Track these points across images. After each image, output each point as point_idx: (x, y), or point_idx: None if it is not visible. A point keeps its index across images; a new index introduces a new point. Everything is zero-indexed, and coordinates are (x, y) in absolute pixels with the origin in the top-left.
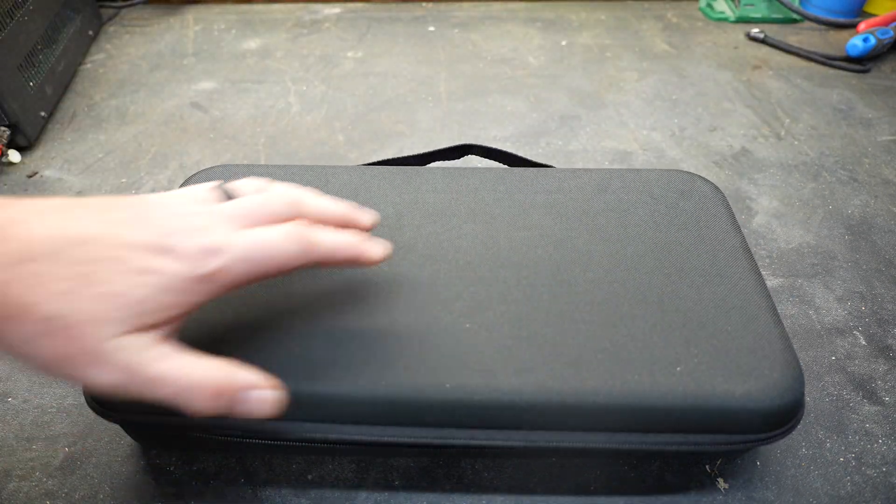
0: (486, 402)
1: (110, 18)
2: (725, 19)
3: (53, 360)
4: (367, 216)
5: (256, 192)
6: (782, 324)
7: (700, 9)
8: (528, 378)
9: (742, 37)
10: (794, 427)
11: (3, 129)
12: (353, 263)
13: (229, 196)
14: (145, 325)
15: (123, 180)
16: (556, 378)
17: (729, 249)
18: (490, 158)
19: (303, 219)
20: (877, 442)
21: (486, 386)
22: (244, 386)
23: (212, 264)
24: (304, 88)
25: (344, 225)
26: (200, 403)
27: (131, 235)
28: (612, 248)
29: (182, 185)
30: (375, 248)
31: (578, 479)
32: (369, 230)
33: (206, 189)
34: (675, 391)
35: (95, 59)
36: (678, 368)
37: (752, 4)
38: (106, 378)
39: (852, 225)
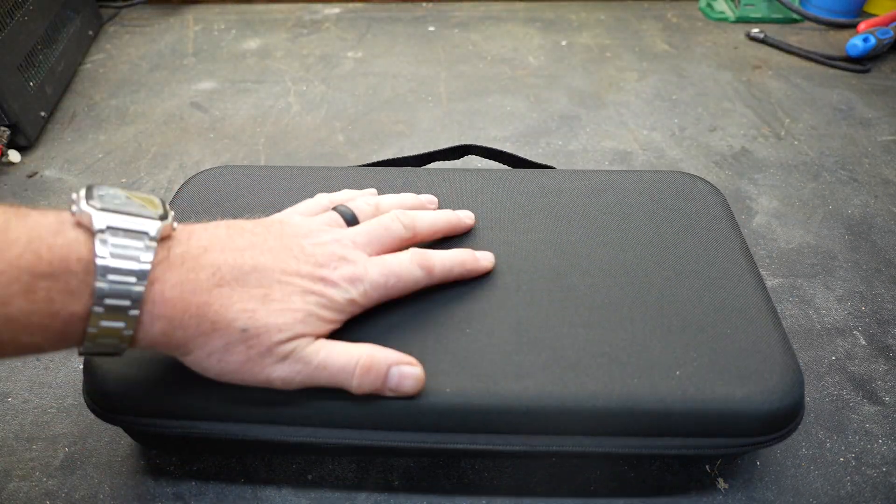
0: (486, 406)
1: (110, 18)
2: (725, 19)
3: (244, 364)
4: (468, 219)
5: (371, 210)
6: (782, 326)
7: (700, 9)
8: (528, 383)
9: (742, 37)
10: (794, 430)
11: (3, 129)
12: (466, 277)
13: (347, 216)
14: (308, 333)
15: (123, 180)
16: (555, 383)
17: (728, 252)
18: (490, 158)
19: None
20: (877, 442)
21: (486, 391)
22: (389, 362)
23: (356, 291)
24: (304, 88)
25: (452, 233)
26: (356, 381)
27: (295, 266)
28: (611, 250)
29: (183, 186)
30: (484, 262)
31: (578, 479)
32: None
33: (326, 209)
34: (674, 395)
35: (95, 59)
36: (677, 372)
37: (752, 4)
38: (284, 371)
39: (852, 225)
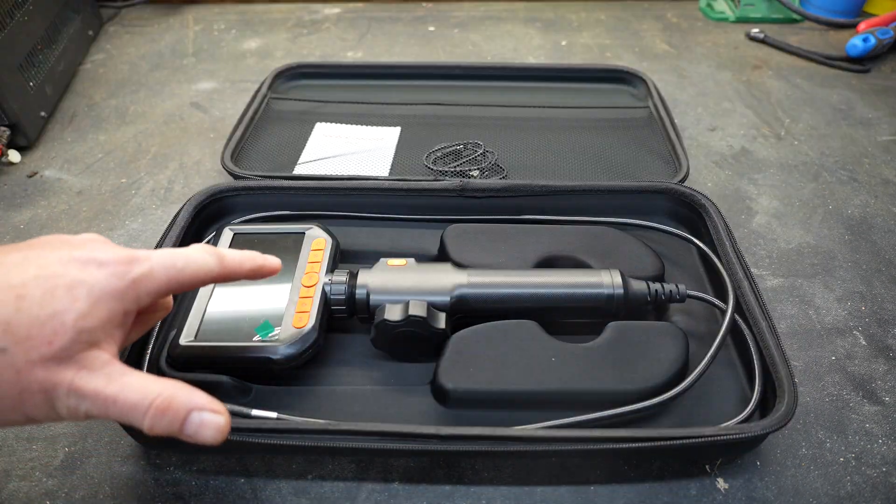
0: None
1: (110, 18)
2: (725, 19)
3: (13, 404)
4: (273, 260)
5: None
6: None
7: (700, 9)
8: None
9: (742, 37)
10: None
11: (3, 129)
12: (257, 274)
13: None
14: (90, 343)
15: (123, 180)
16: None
17: None
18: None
19: None
20: (877, 442)
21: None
22: (190, 406)
23: (136, 269)
24: None
25: (258, 272)
26: (149, 421)
27: (55, 256)
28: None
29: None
30: (274, 260)
31: (579, 479)
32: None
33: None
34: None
35: (95, 59)
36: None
37: (752, 4)
38: (69, 404)
39: (852, 225)
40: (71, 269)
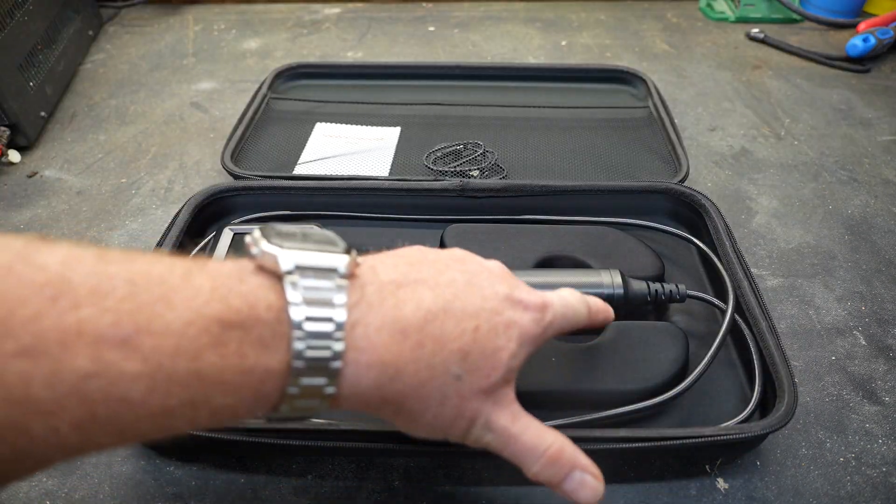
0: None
1: (110, 18)
2: (725, 19)
3: (454, 420)
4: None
5: None
6: None
7: (700, 9)
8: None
9: (742, 37)
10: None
11: (3, 129)
12: (603, 324)
13: None
14: (510, 380)
15: (123, 180)
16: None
17: None
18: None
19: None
20: (877, 442)
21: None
22: (575, 464)
23: (548, 317)
24: None
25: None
26: (538, 467)
27: (491, 289)
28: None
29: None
30: (611, 311)
31: None
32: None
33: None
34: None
35: (95, 59)
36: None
37: (752, 4)
38: (484, 439)
39: (852, 225)
40: (507, 309)
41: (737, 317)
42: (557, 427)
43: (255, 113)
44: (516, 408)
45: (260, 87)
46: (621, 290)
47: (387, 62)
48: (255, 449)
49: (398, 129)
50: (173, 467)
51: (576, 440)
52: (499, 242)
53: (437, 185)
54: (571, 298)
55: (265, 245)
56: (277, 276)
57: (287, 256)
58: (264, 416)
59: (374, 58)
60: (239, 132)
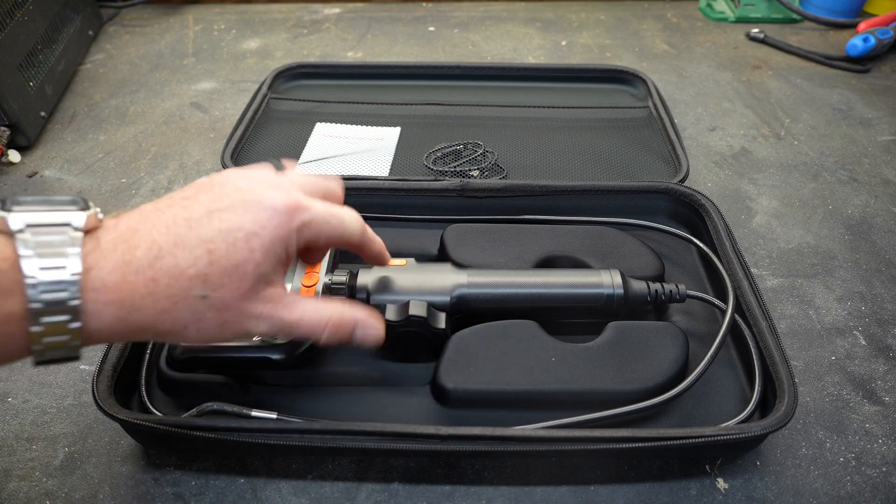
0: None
1: (110, 18)
2: (725, 19)
3: (221, 326)
4: (387, 256)
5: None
6: None
7: (700, 9)
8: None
9: (742, 37)
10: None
11: (3, 129)
12: (376, 259)
13: (277, 167)
14: (267, 283)
15: (123, 180)
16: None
17: None
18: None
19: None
20: (877, 442)
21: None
22: (357, 322)
23: (299, 219)
24: None
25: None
26: (325, 337)
27: (228, 204)
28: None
29: None
30: (387, 257)
31: (579, 479)
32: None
33: (265, 166)
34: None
35: (95, 59)
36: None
37: (752, 4)
38: (262, 328)
39: (852, 225)
40: (247, 221)
41: (737, 317)
42: (557, 427)
43: (255, 113)
44: (289, 298)
45: (260, 87)
46: (621, 290)
47: (387, 62)
48: (255, 449)
49: (398, 129)
50: (173, 467)
51: (576, 440)
52: (499, 242)
53: (437, 185)
54: (344, 212)
55: None
56: (10, 235)
57: (16, 217)
58: (28, 357)
59: (374, 58)
60: (239, 132)
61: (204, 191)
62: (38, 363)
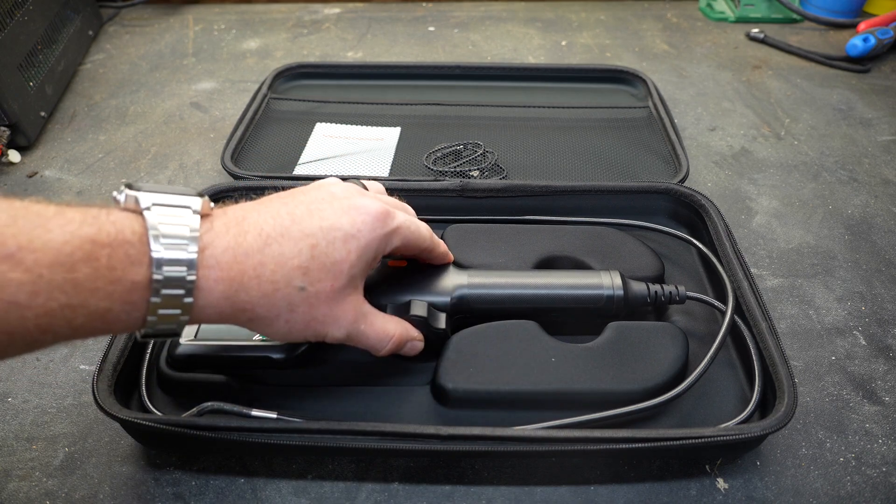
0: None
1: (110, 18)
2: (725, 19)
3: (308, 323)
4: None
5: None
6: None
7: (700, 9)
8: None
9: (742, 37)
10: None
11: (3, 129)
12: (442, 259)
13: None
14: (356, 286)
15: (123, 180)
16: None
17: None
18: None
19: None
20: (877, 442)
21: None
22: (409, 338)
23: (391, 224)
24: None
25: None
26: (385, 351)
27: (330, 210)
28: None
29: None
30: (451, 256)
31: (578, 479)
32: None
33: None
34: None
35: (95, 59)
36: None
37: (752, 4)
38: (340, 332)
39: (852, 225)
40: (345, 222)
41: (736, 317)
42: (557, 427)
43: (255, 113)
44: (365, 308)
45: (260, 87)
46: (621, 292)
47: (387, 62)
48: (255, 449)
49: (398, 129)
50: (173, 467)
51: (576, 440)
52: (499, 242)
53: (437, 185)
54: (418, 222)
55: (128, 191)
56: (139, 212)
57: (146, 196)
58: (137, 330)
59: (374, 58)
60: (239, 132)
61: (302, 192)
62: (145, 336)
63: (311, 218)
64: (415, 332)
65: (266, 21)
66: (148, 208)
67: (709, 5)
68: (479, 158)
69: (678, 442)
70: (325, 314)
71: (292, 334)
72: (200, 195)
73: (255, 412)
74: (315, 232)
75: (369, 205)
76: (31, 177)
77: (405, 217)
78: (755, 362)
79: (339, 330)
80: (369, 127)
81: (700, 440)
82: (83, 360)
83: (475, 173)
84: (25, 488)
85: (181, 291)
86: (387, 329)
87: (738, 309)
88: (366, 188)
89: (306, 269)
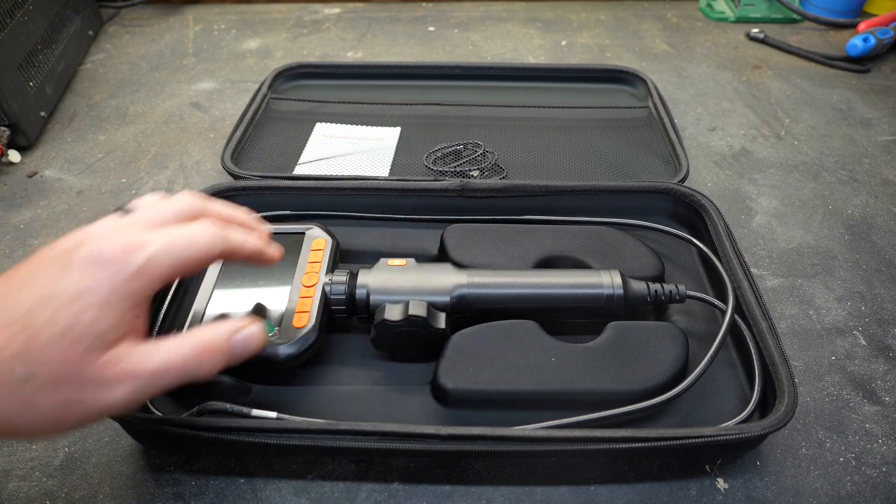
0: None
1: (110, 18)
2: (725, 19)
3: (63, 408)
4: (265, 226)
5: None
6: None
7: (700, 9)
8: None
9: (742, 37)
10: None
11: (3, 129)
12: (257, 259)
13: (126, 209)
14: (112, 341)
15: (123, 180)
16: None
17: None
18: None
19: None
20: (877, 442)
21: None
22: (228, 334)
23: (137, 260)
24: None
25: (246, 227)
26: (203, 372)
27: (50, 272)
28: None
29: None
30: (274, 249)
31: (578, 479)
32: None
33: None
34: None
35: (95, 59)
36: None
37: (752, 4)
38: (119, 394)
39: (852, 225)
40: (72, 281)
41: (736, 317)
42: (557, 427)
43: (255, 113)
44: (145, 347)
45: (260, 87)
46: (621, 291)
47: (387, 62)
48: (255, 449)
49: (398, 129)
50: (173, 467)
51: (576, 440)
52: (499, 242)
53: (437, 185)
54: (192, 229)
55: None
56: None
57: None
58: None
59: (374, 58)
60: (239, 132)
61: (34, 258)
62: None
63: (29, 290)
64: (227, 326)
65: (266, 21)
66: None
67: (709, 5)
68: (479, 158)
69: (678, 442)
70: (81, 388)
71: (52, 430)
72: None
73: (255, 412)
74: (31, 307)
75: (101, 248)
76: (30, 177)
77: (162, 238)
78: (755, 362)
79: (117, 391)
80: (369, 127)
81: (700, 440)
82: None
83: (475, 173)
84: (25, 488)
85: None
86: (182, 347)
87: (738, 308)
88: (127, 210)
89: (25, 354)
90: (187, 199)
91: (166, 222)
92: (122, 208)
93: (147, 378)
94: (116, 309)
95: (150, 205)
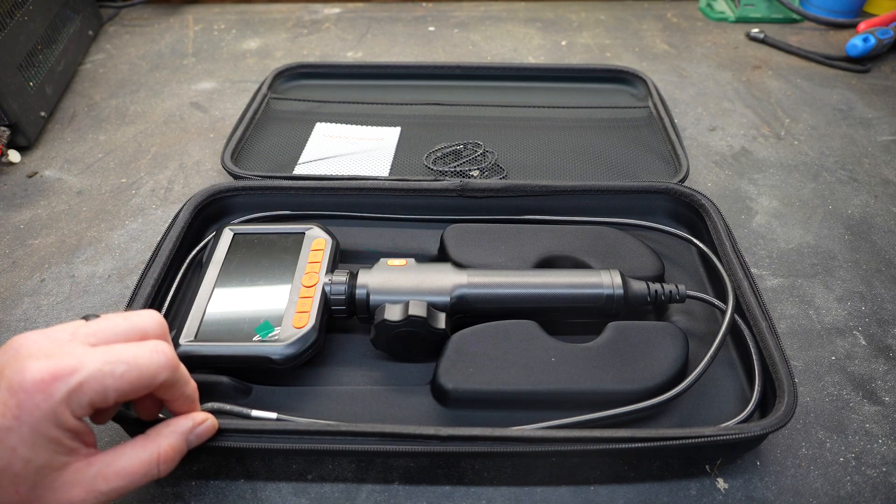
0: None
1: (110, 18)
2: (725, 19)
3: None
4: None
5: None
6: None
7: (700, 9)
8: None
9: (742, 37)
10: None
11: (3, 129)
12: (181, 407)
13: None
14: (57, 467)
15: (123, 180)
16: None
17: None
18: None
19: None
20: (877, 442)
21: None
22: (181, 437)
23: (63, 388)
24: None
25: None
26: (163, 470)
27: None
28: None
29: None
30: (212, 423)
31: (578, 480)
32: None
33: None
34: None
35: (95, 59)
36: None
37: (752, 4)
38: None
39: (852, 225)
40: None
41: (736, 317)
42: (557, 427)
43: (255, 113)
44: (99, 463)
45: (260, 87)
46: (621, 291)
47: (387, 62)
48: (255, 449)
49: (398, 129)
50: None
51: (576, 440)
52: (499, 242)
53: (437, 185)
54: (141, 351)
55: None
56: None
57: None
58: None
59: (374, 58)
60: (239, 132)
61: None
62: None
63: None
64: (183, 424)
65: (266, 21)
66: None
67: (709, 5)
68: (479, 158)
69: (678, 442)
70: None
71: None
72: None
73: (255, 413)
74: None
75: (26, 376)
76: (30, 177)
77: (98, 360)
78: (755, 362)
79: None
80: (369, 127)
81: (700, 440)
82: None
83: (475, 173)
84: None
85: None
86: (142, 456)
87: (738, 308)
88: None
89: None
90: (151, 317)
91: (116, 340)
92: (87, 316)
93: (108, 493)
94: (48, 442)
95: (109, 317)
